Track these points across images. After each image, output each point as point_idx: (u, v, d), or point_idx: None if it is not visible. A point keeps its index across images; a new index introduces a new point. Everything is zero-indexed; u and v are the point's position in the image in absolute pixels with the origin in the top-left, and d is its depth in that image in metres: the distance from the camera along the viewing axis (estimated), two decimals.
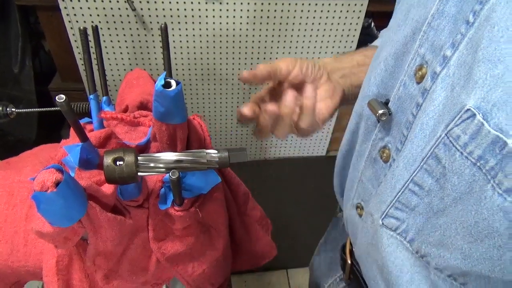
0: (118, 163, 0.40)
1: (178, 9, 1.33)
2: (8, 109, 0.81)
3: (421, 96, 0.35)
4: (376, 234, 0.42)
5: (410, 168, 0.35)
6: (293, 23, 1.43)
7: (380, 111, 0.39)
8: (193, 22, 1.37)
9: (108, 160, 0.40)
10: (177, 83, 0.40)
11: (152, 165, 0.42)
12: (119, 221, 0.43)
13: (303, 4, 1.38)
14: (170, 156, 0.42)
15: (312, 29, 1.46)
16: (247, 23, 1.40)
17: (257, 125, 0.53)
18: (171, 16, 1.35)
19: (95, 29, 0.57)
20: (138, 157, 0.41)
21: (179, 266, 0.53)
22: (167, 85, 0.40)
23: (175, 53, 1.45)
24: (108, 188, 0.43)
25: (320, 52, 1.52)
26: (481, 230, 0.30)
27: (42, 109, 0.80)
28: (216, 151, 0.44)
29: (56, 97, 0.40)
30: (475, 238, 0.31)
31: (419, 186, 0.35)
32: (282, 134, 0.53)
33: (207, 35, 1.41)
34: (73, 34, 1.38)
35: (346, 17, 1.45)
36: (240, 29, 1.41)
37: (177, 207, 0.46)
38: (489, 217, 0.29)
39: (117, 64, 1.47)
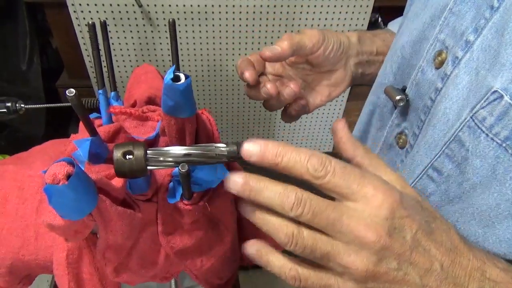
0: (127, 156, 0.40)
1: (184, 5, 1.33)
2: (17, 105, 0.82)
3: (441, 81, 0.35)
4: None
5: (430, 154, 0.35)
6: (300, 19, 1.42)
7: (398, 97, 0.39)
8: (199, 19, 1.37)
9: (117, 153, 0.40)
10: (186, 76, 0.40)
11: (161, 158, 0.42)
12: (129, 215, 0.43)
13: None
14: (179, 149, 0.42)
15: (318, 25, 1.45)
16: (254, 18, 1.39)
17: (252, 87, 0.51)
18: (178, 12, 1.35)
19: (104, 24, 0.57)
20: (148, 151, 0.41)
21: (188, 260, 0.53)
22: (176, 79, 0.40)
23: (181, 49, 1.46)
24: (117, 182, 0.43)
25: None
26: (501, 212, 0.30)
27: (51, 104, 0.81)
28: (225, 145, 0.44)
29: (67, 91, 0.40)
30: (493, 221, 0.31)
31: (438, 171, 0.35)
32: (271, 109, 0.52)
33: (213, 31, 1.41)
34: (80, 31, 1.38)
35: (353, 12, 1.44)
36: (247, 25, 1.41)
37: (186, 201, 0.47)
38: None
39: (123, 61, 1.47)
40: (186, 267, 0.55)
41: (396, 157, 0.42)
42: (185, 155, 0.43)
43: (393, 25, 0.58)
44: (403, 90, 0.40)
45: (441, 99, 0.34)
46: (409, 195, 0.30)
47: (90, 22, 0.53)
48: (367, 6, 1.43)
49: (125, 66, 1.48)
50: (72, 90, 0.39)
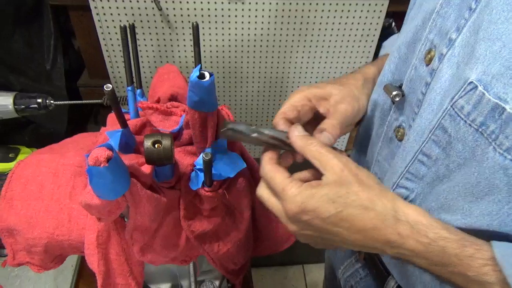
0: (156, 145, 0.45)
1: (202, 9, 1.38)
2: (47, 101, 0.87)
3: (430, 76, 0.39)
4: None
5: (419, 140, 0.39)
6: (314, 23, 1.46)
7: (394, 92, 0.43)
8: (216, 22, 1.42)
9: (148, 143, 0.45)
10: (210, 74, 0.44)
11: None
12: (156, 198, 0.47)
13: (324, 4, 1.41)
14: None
15: (332, 29, 1.49)
16: (269, 22, 1.44)
17: None
18: (195, 15, 1.40)
19: (132, 27, 0.62)
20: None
21: (206, 244, 0.58)
22: (201, 76, 0.44)
23: None
24: (146, 169, 0.47)
25: (340, 52, 1.55)
26: (482, 189, 0.34)
27: (79, 101, 0.86)
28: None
29: (104, 86, 0.45)
30: (476, 197, 0.35)
31: (427, 156, 0.38)
32: None
33: (229, 34, 1.46)
34: (102, 33, 1.44)
35: (366, 17, 1.47)
36: (262, 29, 1.45)
37: (207, 188, 0.51)
38: (490, 176, 0.33)
39: (142, 62, 1.53)
40: (204, 251, 0.59)
41: (395, 149, 0.45)
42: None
43: (388, 47, 0.61)
44: (399, 87, 0.44)
45: (429, 92, 0.38)
46: (325, 195, 0.38)
47: (122, 25, 0.58)
48: (381, 11, 1.46)
49: (143, 67, 1.54)
50: (109, 85, 0.44)
